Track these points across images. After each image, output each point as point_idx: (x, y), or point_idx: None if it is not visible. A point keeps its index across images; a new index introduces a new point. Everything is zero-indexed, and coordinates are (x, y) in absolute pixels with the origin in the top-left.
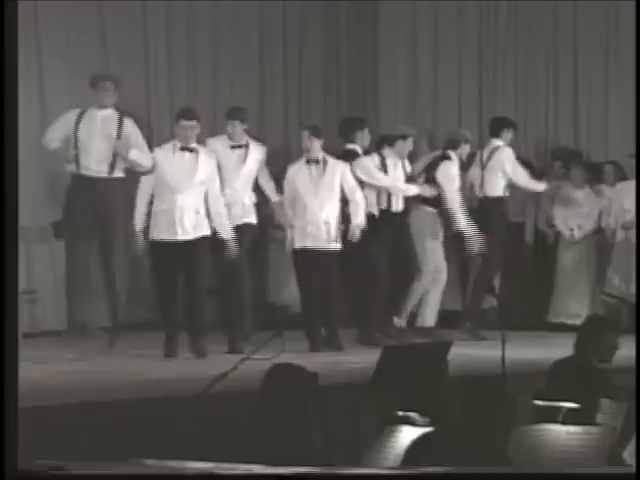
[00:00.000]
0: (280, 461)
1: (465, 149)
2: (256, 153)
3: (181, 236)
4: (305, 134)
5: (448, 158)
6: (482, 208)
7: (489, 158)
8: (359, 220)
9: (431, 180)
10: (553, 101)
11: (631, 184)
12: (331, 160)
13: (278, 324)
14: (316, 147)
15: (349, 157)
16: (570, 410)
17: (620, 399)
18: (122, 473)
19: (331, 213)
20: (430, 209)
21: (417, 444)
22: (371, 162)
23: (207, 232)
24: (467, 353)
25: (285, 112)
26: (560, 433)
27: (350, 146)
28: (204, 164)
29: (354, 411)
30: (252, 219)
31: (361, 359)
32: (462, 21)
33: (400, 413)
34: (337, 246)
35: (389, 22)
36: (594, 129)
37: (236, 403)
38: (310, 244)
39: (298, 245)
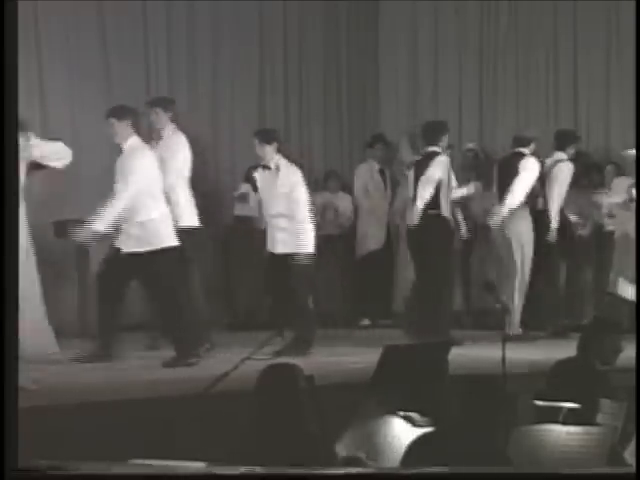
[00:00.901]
0: (279, 461)
1: (532, 147)
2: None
3: (124, 249)
4: (255, 141)
5: (524, 155)
6: (543, 219)
7: (550, 170)
8: (309, 245)
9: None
10: (553, 101)
11: (624, 180)
12: (284, 168)
13: (278, 324)
14: (267, 153)
15: (431, 159)
16: (570, 410)
17: (620, 399)
18: (122, 473)
19: (293, 218)
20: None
21: (417, 444)
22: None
23: (154, 245)
24: (467, 353)
25: (285, 112)
26: (560, 433)
27: (431, 148)
28: (127, 164)
29: (354, 411)
30: (192, 221)
31: (361, 359)
32: (462, 21)
33: (400, 413)
34: (307, 251)
35: (389, 22)
36: (594, 129)
37: (236, 403)
38: (277, 249)
39: (268, 249)
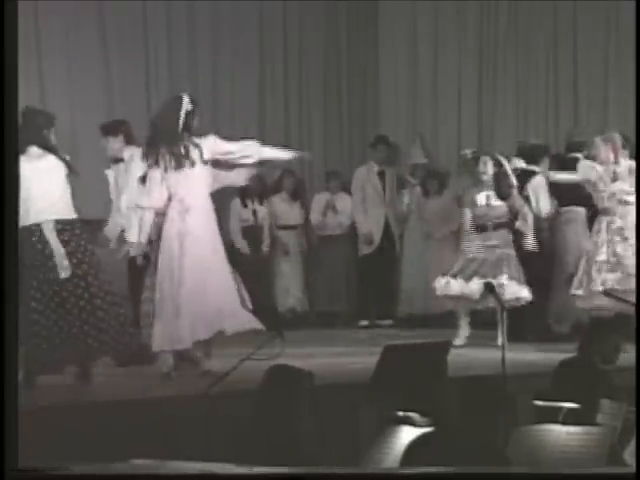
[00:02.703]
0: (280, 461)
1: (586, 152)
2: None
3: None
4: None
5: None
6: None
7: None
8: None
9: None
10: (553, 101)
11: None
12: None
13: (278, 324)
14: (111, 146)
15: (526, 177)
16: (570, 410)
17: (620, 399)
18: (122, 473)
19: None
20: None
21: (416, 444)
22: None
23: None
24: (467, 353)
25: (285, 112)
26: (560, 433)
27: (530, 167)
28: None
29: (354, 411)
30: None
31: (361, 359)
32: (462, 21)
33: (400, 413)
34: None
35: (389, 22)
36: (594, 129)
37: (236, 403)
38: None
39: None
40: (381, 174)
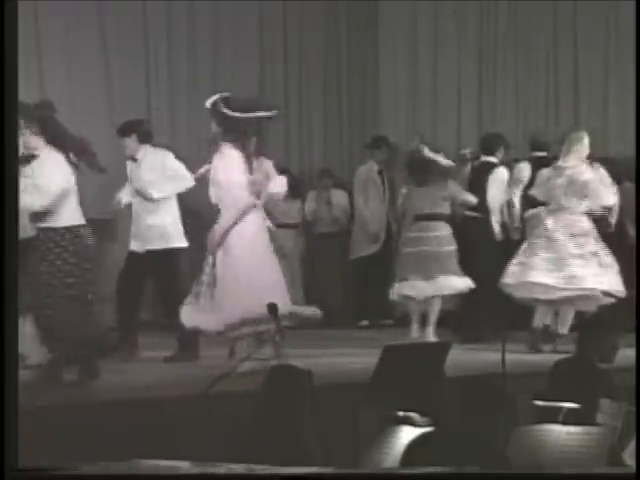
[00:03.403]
0: (280, 461)
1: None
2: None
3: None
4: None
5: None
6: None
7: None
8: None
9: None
10: (553, 101)
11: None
12: (150, 155)
13: (279, 324)
14: (127, 146)
15: (487, 168)
16: (570, 410)
17: (620, 399)
18: (122, 473)
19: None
20: None
21: (416, 444)
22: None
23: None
24: (467, 353)
25: (285, 112)
26: (560, 433)
27: (487, 158)
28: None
29: (354, 411)
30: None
31: (361, 359)
32: (462, 21)
33: (400, 413)
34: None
35: (389, 22)
36: (594, 129)
37: (236, 403)
38: (149, 246)
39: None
40: (380, 174)
